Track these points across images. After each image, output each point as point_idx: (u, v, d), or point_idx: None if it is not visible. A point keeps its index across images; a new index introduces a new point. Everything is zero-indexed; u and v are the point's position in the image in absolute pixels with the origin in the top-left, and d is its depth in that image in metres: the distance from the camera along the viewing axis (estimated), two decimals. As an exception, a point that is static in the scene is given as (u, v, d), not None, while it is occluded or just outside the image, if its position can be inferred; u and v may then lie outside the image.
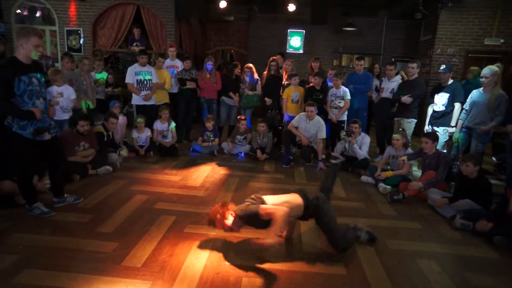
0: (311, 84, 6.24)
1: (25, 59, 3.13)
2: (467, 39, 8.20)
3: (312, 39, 10.60)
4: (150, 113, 6.03)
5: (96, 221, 3.34)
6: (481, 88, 4.74)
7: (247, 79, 6.35)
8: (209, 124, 6.12)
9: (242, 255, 2.84)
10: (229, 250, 2.91)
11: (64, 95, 4.96)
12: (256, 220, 2.71)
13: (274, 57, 6.51)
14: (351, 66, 10.02)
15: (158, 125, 5.91)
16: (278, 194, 3.00)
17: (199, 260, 2.77)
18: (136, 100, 6.04)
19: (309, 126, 5.60)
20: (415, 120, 5.51)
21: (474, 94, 4.81)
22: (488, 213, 3.57)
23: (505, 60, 7.71)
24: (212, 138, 6.14)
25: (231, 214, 2.76)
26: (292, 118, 5.88)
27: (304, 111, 5.71)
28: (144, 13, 8.34)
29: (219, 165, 5.45)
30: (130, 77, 5.93)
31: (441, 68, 5.08)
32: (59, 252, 2.77)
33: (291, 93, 6.11)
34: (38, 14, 8.67)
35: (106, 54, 8.41)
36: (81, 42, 8.49)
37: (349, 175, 5.21)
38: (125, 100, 7.55)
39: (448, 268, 2.87)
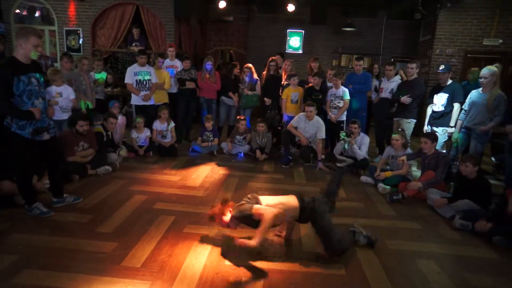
0: (310, 84, 6.24)
1: (24, 59, 3.12)
2: (466, 40, 8.21)
3: (312, 39, 10.61)
4: (149, 113, 6.02)
5: (96, 221, 3.33)
6: (480, 89, 4.75)
7: (247, 79, 6.36)
8: (209, 124, 6.12)
9: (242, 255, 2.84)
10: (228, 251, 2.90)
11: (63, 95, 4.95)
12: (250, 219, 2.76)
13: (273, 57, 6.51)
14: (350, 66, 10.03)
15: (158, 125, 5.91)
16: (277, 194, 3.01)
17: (198, 260, 2.77)
18: (135, 100, 6.04)
19: (308, 126, 5.60)
20: (415, 120, 5.52)
21: (473, 94, 4.82)
22: (487, 213, 3.58)
23: (504, 60, 7.73)
24: (211, 138, 6.14)
25: (230, 211, 2.86)
26: (291, 118, 5.88)
27: (304, 111, 5.71)
28: (143, 13, 8.33)
29: (219, 165, 5.45)
30: (129, 78, 5.93)
31: (440, 68, 5.09)
32: (58, 252, 2.77)
33: (291, 93, 6.11)
34: (37, 14, 8.66)
35: (106, 54, 8.40)
36: (80, 42, 8.48)
37: (348, 175, 5.21)
38: (124, 100, 7.54)
39: (448, 268, 2.88)
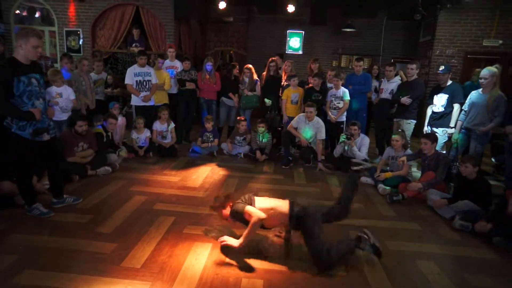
0: (310, 85, 6.25)
1: (24, 60, 3.12)
2: (466, 40, 8.22)
3: (312, 40, 10.62)
4: (149, 114, 6.03)
5: (96, 221, 3.33)
6: (480, 89, 4.75)
7: (247, 80, 6.36)
8: (209, 125, 6.12)
9: (241, 255, 2.84)
10: (228, 251, 2.90)
11: (63, 96, 4.96)
12: (242, 218, 2.81)
13: (273, 58, 6.52)
14: (350, 67, 10.02)
15: (158, 125, 5.91)
16: (276, 195, 3.02)
17: (198, 260, 2.76)
18: (135, 101, 6.04)
19: (308, 127, 5.60)
20: (415, 121, 5.53)
21: (473, 95, 4.82)
22: (487, 214, 3.58)
23: (504, 61, 7.73)
24: (211, 139, 6.14)
25: (230, 205, 2.90)
26: (291, 119, 5.88)
27: (304, 112, 5.71)
28: (143, 14, 8.34)
29: (219, 165, 5.45)
30: (129, 78, 5.93)
31: (440, 69, 5.10)
32: (58, 252, 2.77)
33: (291, 94, 6.11)
34: (37, 15, 8.66)
35: (106, 55, 8.40)
36: (80, 42, 8.48)
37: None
38: (124, 101, 7.55)
39: (448, 269, 2.88)
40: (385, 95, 5.96)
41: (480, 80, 4.67)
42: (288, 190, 4.47)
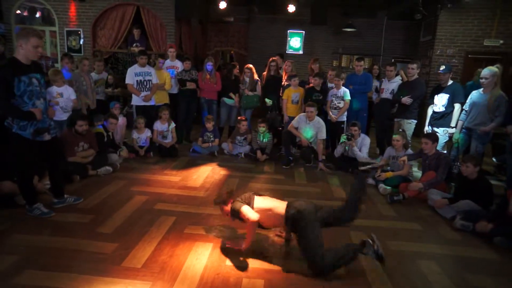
0: (311, 85, 6.24)
1: (24, 60, 3.13)
2: (467, 40, 8.21)
3: (312, 39, 10.61)
4: (150, 114, 6.03)
5: (96, 221, 3.34)
6: (481, 89, 4.75)
7: (247, 79, 6.36)
8: (209, 125, 6.12)
9: (242, 255, 2.84)
10: (229, 251, 2.91)
11: (64, 96, 4.96)
12: (239, 217, 2.84)
13: (273, 58, 6.51)
14: (351, 67, 10.02)
15: (158, 125, 5.91)
16: (277, 195, 3.02)
17: (199, 260, 2.77)
18: (136, 100, 6.04)
19: (309, 126, 5.60)
20: (415, 121, 5.52)
21: (474, 95, 4.82)
22: (488, 214, 3.57)
23: (505, 61, 7.71)
24: (212, 139, 6.14)
25: (231, 202, 2.93)
26: (292, 119, 5.88)
27: (304, 112, 5.71)
28: (144, 14, 8.34)
29: (219, 165, 5.45)
30: (130, 78, 5.93)
31: (441, 69, 5.09)
32: (59, 252, 2.77)
33: (291, 93, 6.11)
34: (38, 15, 8.67)
35: (106, 55, 8.41)
36: (81, 42, 8.49)
37: (349, 176, 5.22)
38: (125, 101, 7.55)
39: (448, 269, 2.87)
40: (386, 95, 5.95)
41: (481, 80, 4.67)
42: (288, 190, 4.47)
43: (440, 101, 5.07)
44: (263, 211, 2.81)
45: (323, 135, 5.62)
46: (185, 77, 6.39)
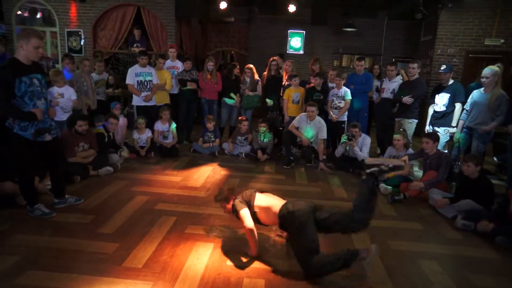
0: (311, 85, 6.24)
1: (25, 60, 3.13)
2: (467, 39, 8.20)
3: (312, 39, 10.61)
4: (150, 114, 6.03)
5: (97, 222, 3.34)
6: (482, 88, 4.75)
7: (248, 79, 6.36)
8: (210, 125, 6.12)
9: (243, 255, 2.84)
10: (230, 251, 2.91)
11: (64, 96, 4.97)
12: (238, 217, 2.85)
13: (274, 58, 6.51)
14: (351, 66, 10.01)
15: (159, 126, 5.92)
16: (278, 195, 2.99)
17: (200, 260, 2.77)
18: (136, 101, 6.04)
19: (309, 126, 5.60)
20: (416, 121, 5.51)
21: (475, 94, 4.82)
22: (489, 213, 3.57)
23: (506, 60, 7.70)
24: (212, 139, 6.14)
25: (232, 199, 2.93)
26: (293, 118, 5.88)
27: (305, 112, 5.71)
28: (144, 14, 8.34)
29: (220, 165, 5.45)
30: (130, 78, 5.93)
31: (442, 68, 5.08)
32: (60, 253, 2.77)
33: (292, 93, 6.11)
34: (38, 16, 8.67)
35: (107, 55, 8.41)
36: (81, 43, 8.50)
37: (349, 176, 5.21)
38: (125, 101, 7.55)
39: (450, 268, 2.87)
40: (387, 94, 5.94)
41: (482, 79, 4.67)
42: (289, 190, 4.46)
43: (441, 101, 5.07)
44: (262, 209, 2.83)
45: (324, 135, 5.62)
46: (185, 77, 6.40)
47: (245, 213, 2.79)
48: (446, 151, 5.09)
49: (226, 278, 2.55)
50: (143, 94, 5.94)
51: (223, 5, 8.60)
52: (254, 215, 2.83)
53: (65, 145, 4.39)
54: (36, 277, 2.46)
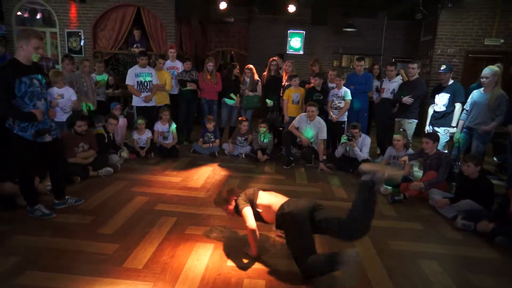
0: (311, 85, 6.24)
1: (25, 61, 3.14)
2: (467, 40, 8.20)
3: (312, 40, 10.61)
4: (150, 115, 6.03)
5: (97, 222, 3.34)
6: (482, 88, 4.75)
7: (248, 80, 6.36)
8: (210, 125, 6.13)
9: (243, 256, 2.84)
10: (230, 252, 2.91)
11: (64, 97, 4.97)
12: (241, 215, 2.84)
13: (274, 58, 6.51)
14: (351, 67, 10.01)
15: (159, 126, 5.92)
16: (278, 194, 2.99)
17: (200, 261, 2.77)
18: (136, 101, 6.04)
19: (309, 126, 5.60)
20: (416, 121, 5.51)
21: (475, 94, 4.82)
22: (489, 213, 3.57)
23: (506, 60, 7.70)
24: (212, 139, 6.14)
25: (234, 200, 2.91)
26: (293, 119, 5.88)
27: (305, 112, 5.71)
28: (144, 15, 8.34)
29: (220, 166, 5.45)
30: (130, 79, 5.93)
31: (442, 68, 5.09)
32: (60, 253, 2.77)
33: (292, 94, 6.11)
34: (38, 16, 8.67)
35: (107, 56, 8.41)
36: (81, 44, 8.50)
37: (349, 176, 5.21)
38: (125, 102, 7.56)
39: (450, 268, 2.87)
40: (387, 94, 5.94)
41: (482, 79, 4.67)
42: (289, 190, 4.45)
43: (441, 101, 5.07)
44: (265, 207, 2.82)
45: (324, 135, 5.62)
46: (185, 78, 6.40)
47: (247, 211, 2.78)
48: (446, 151, 5.09)
49: (226, 279, 2.55)
50: (143, 94, 5.94)
51: (223, 5, 8.60)
52: (257, 214, 2.82)
53: (65, 146, 4.39)
54: (36, 277, 2.46)
